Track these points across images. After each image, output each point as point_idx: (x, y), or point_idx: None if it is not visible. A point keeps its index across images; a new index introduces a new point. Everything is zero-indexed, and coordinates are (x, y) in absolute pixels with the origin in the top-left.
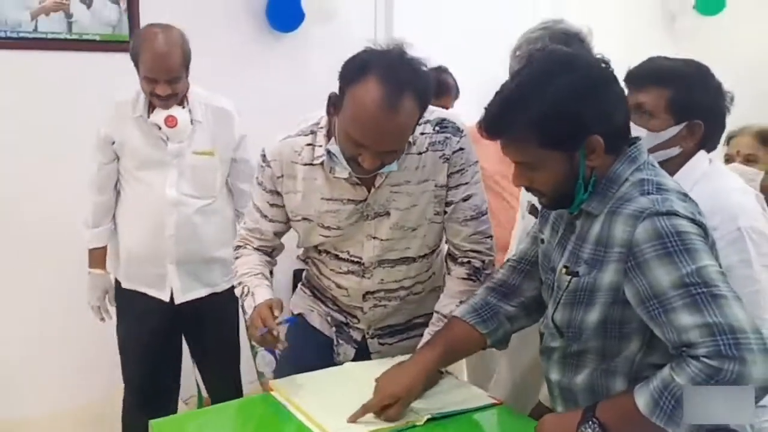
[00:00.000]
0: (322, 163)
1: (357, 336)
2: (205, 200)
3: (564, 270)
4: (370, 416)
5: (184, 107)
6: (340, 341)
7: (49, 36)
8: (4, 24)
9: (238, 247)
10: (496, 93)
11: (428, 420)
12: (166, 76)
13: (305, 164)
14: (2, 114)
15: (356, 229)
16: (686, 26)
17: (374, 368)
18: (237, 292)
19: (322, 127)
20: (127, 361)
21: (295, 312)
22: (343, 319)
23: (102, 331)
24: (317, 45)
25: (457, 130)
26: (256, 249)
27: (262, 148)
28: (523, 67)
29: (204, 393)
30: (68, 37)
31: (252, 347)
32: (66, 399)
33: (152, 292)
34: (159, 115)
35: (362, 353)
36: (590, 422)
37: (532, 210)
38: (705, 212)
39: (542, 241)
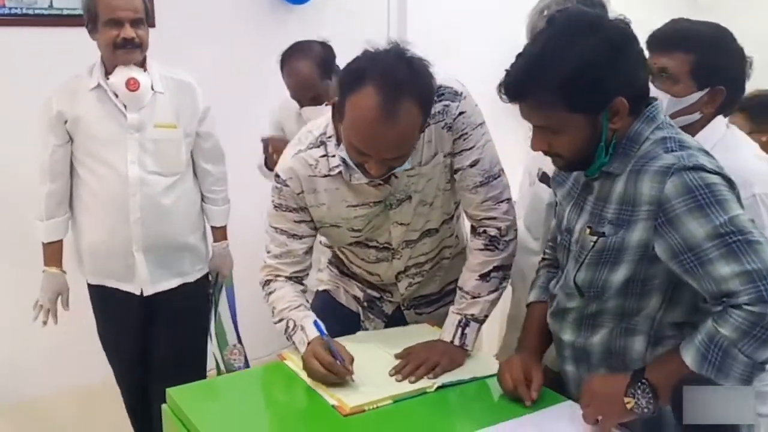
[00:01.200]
0: (340, 173)
1: (389, 309)
2: (170, 178)
3: (588, 230)
4: (384, 383)
5: (145, 71)
6: (370, 315)
7: (65, 12)
8: (20, 1)
9: (268, 281)
10: (518, 55)
11: (438, 388)
12: (132, 15)
13: (324, 176)
14: (20, 90)
15: (383, 220)
16: (709, 1)
17: (385, 336)
18: (279, 327)
19: (330, 136)
20: (110, 356)
21: (321, 288)
22: (377, 294)
23: None
24: (330, 16)
25: (455, 95)
26: (288, 279)
27: (274, 171)
28: (544, 29)
29: (222, 366)
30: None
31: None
32: (79, 377)
33: (121, 286)
34: (119, 77)
35: (393, 326)
36: (640, 383)
37: (544, 178)
38: None
39: (556, 203)
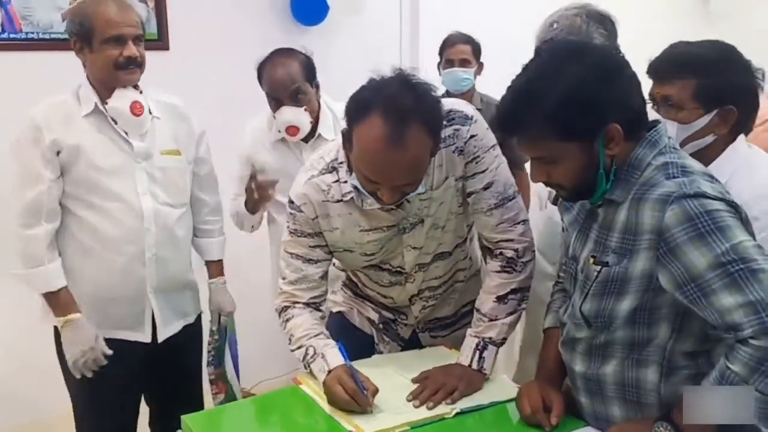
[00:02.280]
0: (353, 198)
1: (405, 333)
2: (179, 209)
3: (592, 260)
4: (402, 408)
5: (139, 91)
6: (385, 338)
7: None
8: (36, 26)
9: (285, 308)
10: (508, 89)
11: (457, 414)
12: (134, 31)
13: (337, 201)
14: None
15: (396, 244)
16: (721, 8)
17: (401, 359)
18: (298, 354)
19: (341, 163)
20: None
21: (335, 310)
22: (391, 316)
23: None
24: (343, 38)
25: (465, 119)
26: (306, 305)
27: (287, 195)
28: (532, 60)
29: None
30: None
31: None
32: None
33: (129, 336)
34: (122, 100)
35: (409, 349)
36: (663, 421)
37: (557, 200)
38: (746, 201)
39: (563, 229)
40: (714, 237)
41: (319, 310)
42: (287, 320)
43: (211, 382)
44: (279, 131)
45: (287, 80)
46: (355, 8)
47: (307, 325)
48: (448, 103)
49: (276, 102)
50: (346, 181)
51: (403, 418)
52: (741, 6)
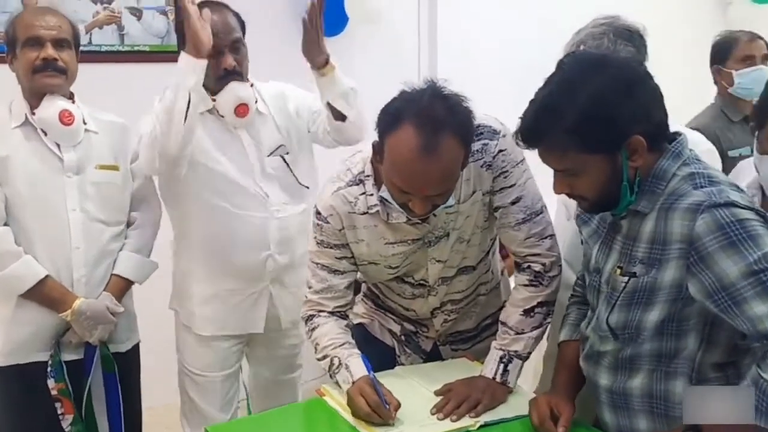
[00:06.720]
0: (378, 212)
1: (426, 346)
2: (114, 227)
3: (618, 271)
4: (425, 421)
5: (73, 102)
6: (407, 350)
7: (104, 49)
8: None
9: (311, 316)
10: (530, 102)
11: (481, 427)
12: (54, 34)
13: (363, 213)
14: None
15: (420, 257)
16: (740, 16)
17: (424, 371)
18: (323, 365)
19: (368, 176)
20: None
21: (356, 322)
22: (413, 328)
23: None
24: (362, 47)
25: (494, 133)
26: (331, 314)
27: (314, 205)
28: (554, 73)
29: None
30: (121, 49)
31: None
32: None
33: (46, 357)
34: (50, 109)
35: (430, 362)
36: (692, 430)
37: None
38: None
39: (582, 241)
40: (746, 245)
41: (345, 318)
42: (313, 329)
43: (56, 398)
44: (216, 109)
45: (228, 26)
46: (374, 18)
47: (332, 335)
48: (476, 118)
49: (212, 51)
50: (372, 194)
51: (427, 431)
52: (759, 14)
